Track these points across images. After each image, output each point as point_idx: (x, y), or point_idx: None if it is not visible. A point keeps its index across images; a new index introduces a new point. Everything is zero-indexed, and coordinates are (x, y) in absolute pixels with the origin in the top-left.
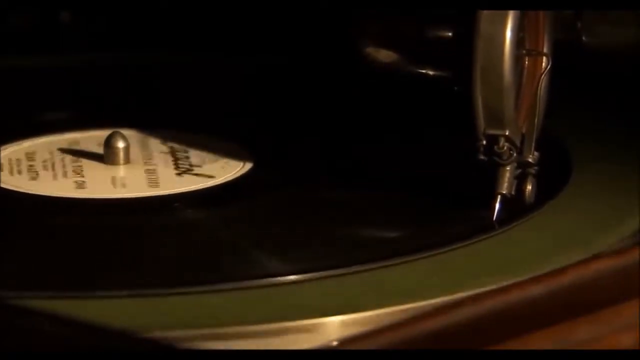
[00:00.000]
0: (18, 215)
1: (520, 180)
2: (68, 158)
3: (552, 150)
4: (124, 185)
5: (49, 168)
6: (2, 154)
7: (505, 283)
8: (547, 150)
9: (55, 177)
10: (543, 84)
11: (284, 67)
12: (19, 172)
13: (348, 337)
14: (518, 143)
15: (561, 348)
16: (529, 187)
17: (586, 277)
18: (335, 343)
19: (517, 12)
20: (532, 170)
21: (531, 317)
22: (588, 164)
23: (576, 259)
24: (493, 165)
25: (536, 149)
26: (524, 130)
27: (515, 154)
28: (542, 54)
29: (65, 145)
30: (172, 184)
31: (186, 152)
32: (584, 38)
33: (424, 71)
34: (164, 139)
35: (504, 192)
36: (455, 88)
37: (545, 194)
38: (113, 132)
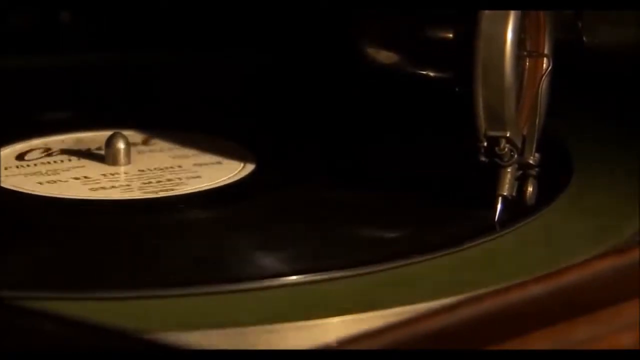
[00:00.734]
0: (18, 215)
1: (521, 181)
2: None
3: (553, 151)
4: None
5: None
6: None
7: (505, 283)
8: (547, 151)
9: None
10: (544, 85)
11: (284, 67)
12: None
13: (348, 337)
14: (519, 144)
15: (561, 348)
16: (530, 189)
17: (586, 277)
18: (335, 343)
19: (518, 12)
20: (533, 172)
21: (531, 317)
22: (588, 164)
23: (576, 260)
24: (494, 167)
25: (537, 150)
26: (525, 132)
27: (516, 155)
28: (543, 55)
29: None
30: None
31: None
32: (584, 38)
33: (424, 72)
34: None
35: (505, 193)
36: (456, 89)
37: (545, 194)
38: (114, 133)
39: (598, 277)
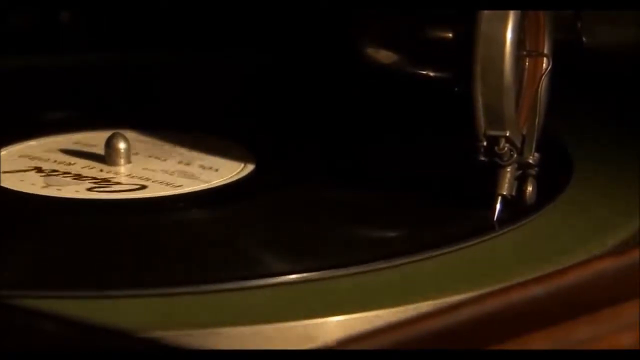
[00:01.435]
0: (18, 215)
1: (520, 181)
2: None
3: (553, 151)
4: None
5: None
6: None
7: (505, 283)
8: (547, 151)
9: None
10: (543, 85)
11: (284, 67)
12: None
13: (348, 337)
14: (518, 144)
15: (561, 348)
16: (530, 188)
17: (586, 277)
18: (335, 343)
19: (518, 12)
20: (533, 171)
21: (531, 317)
22: (588, 164)
23: (577, 260)
24: (493, 166)
25: (537, 150)
26: (524, 131)
27: (515, 155)
28: (542, 54)
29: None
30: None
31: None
32: (584, 38)
33: (423, 71)
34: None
35: (505, 193)
36: (456, 89)
37: (545, 194)
38: (114, 133)
39: (598, 277)
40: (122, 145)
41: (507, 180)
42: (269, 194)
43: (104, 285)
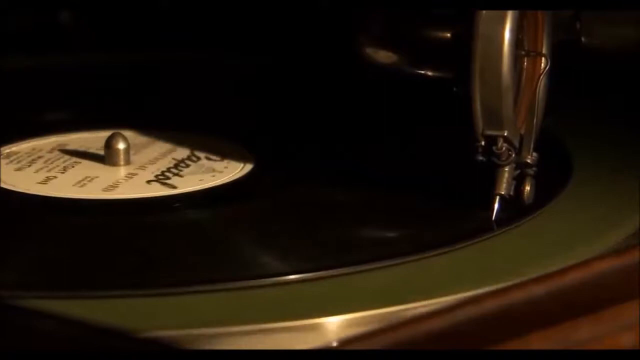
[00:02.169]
0: (18, 215)
1: (518, 181)
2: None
3: (552, 151)
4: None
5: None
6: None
7: (504, 283)
8: (546, 151)
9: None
10: (542, 85)
11: (284, 67)
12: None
13: (348, 337)
14: (517, 144)
15: (562, 348)
16: (528, 188)
17: (587, 277)
18: (335, 343)
19: (516, 12)
20: (531, 171)
21: (532, 317)
22: (588, 164)
23: (577, 260)
24: (491, 166)
25: (535, 150)
26: (522, 131)
27: (513, 155)
28: (541, 54)
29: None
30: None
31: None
32: (583, 38)
33: (423, 71)
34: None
35: (503, 193)
36: (454, 88)
37: (545, 194)
38: (114, 133)
39: (598, 277)
40: (122, 145)
41: (505, 180)
42: (268, 194)
43: (104, 285)
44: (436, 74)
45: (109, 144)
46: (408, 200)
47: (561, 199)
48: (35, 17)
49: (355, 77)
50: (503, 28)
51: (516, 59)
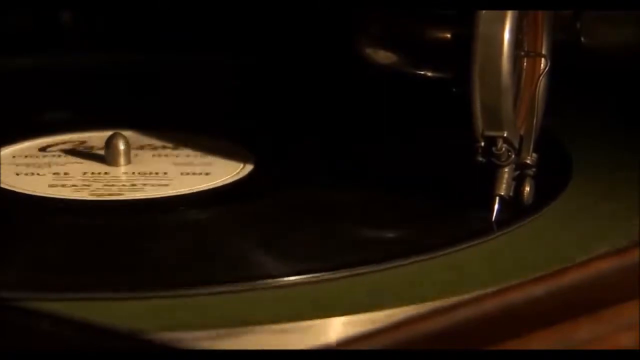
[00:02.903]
0: (18, 215)
1: (518, 181)
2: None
3: (552, 151)
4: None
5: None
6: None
7: (504, 283)
8: (546, 151)
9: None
10: (542, 85)
11: (284, 67)
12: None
13: (348, 337)
14: (516, 144)
15: (562, 348)
16: (527, 189)
17: (587, 277)
18: (335, 343)
19: (516, 12)
20: (531, 172)
21: (532, 318)
22: (588, 164)
23: (576, 260)
24: (491, 167)
25: (534, 151)
26: (522, 132)
27: (513, 156)
28: (540, 55)
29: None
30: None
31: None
32: (582, 39)
33: (422, 72)
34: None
35: (502, 193)
36: (454, 89)
37: (545, 194)
38: (114, 133)
39: (598, 277)
40: (122, 145)
41: (504, 181)
42: (268, 194)
43: (104, 285)
44: (436, 74)
45: (109, 144)
46: (408, 200)
47: (561, 200)
48: (35, 17)
49: (355, 77)
50: (503, 28)
51: (516, 59)
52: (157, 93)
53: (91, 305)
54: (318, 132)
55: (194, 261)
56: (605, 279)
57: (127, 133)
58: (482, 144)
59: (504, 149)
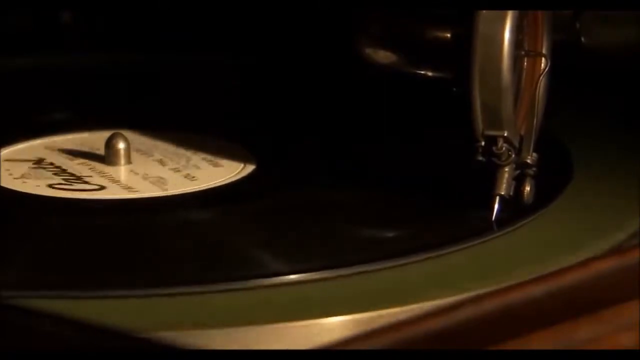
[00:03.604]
0: (18, 215)
1: (518, 181)
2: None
3: (552, 151)
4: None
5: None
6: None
7: (504, 283)
8: (547, 151)
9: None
10: (542, 85)
11: (284, 67)
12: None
13: (348, 337)
14: (516, 144)
15: (562, 348)
16: (528, 188)
17: (587, 277)
18: (335, 343)
19: (516, 12)
20: (531, 171)
21: (532, 318)
22: (588, 164)
23: (577, 260)
24: (491, 166)
25: (535, 150)
26: (522, 131)
27: (513, 155)
28: (540, 54)
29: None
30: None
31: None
32: (582, 39)
33: (422, 72)
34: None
35: (502, 193)
36: (454, 89)
37: (545, 194)
38: (114, 133)
39: (598, 277)
40: (122, 145)
41: (505, 181)
42: (269, 194)
43: (104, 285)
44: (436, 74)
45: (109, 144)
46: (408, 200)
47: (561, 200)
48: (35, 17)
49: (355, 77)
50: (503, 28)
51: (516, 59)
52: (157, 93)
53: (91, 305)
54: (318, 132)
55: (194, 261)
56: (605, 279)
57: (127, 133)
58: (483, 143)
59: (504, 148)
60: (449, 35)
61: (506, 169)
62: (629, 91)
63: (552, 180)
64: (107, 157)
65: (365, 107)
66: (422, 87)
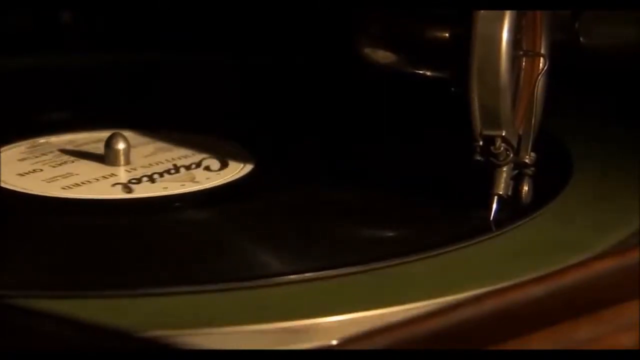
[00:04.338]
0: (18, 215)
1: (516, 181)
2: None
3: (552, 151)
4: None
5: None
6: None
7: (504, 283)
8: (546, 151)
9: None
10: (540, 85)
11: (284, 67)
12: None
13: (348, 337)
14: (515, 143)
15: (562, 348)
16: (526, 188)
17: (587, 277)
18: (335, 343)
19: (514, 12)
20: (529, 171)
21: (532, 318)
22: (588, 164)
23: (576, 260)
24: (490, 166)
25: (533, 150)
26: (520, 131)
27: (511, 155)
28: (539, 54)
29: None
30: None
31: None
32: (581, 39)
33: (421, 71)
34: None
35: (501, 192)
36: (452, 89)
37: (544, 194)
38: (114, 133)
39: (598, 277)
40: (122, 145)
41: (503, 180)
42: (268, 194)
43: (104, 285)
44: (435, 74)
45: (109, 144)
46: (407, 200)
47: (560, 199)
48: (35, 17)
49: (355, 77)
50: (501, 28)
51: (514, 59)
52: (157, 93)
53: (91, 305)
54: (318, 132)
55: (194, 261)
56: (605, 279)
57: (127, 133)
58: (481, 143)
59: (502, 148)
60: (448, 35)
61: (504, 169)
62: (628, 91)
63: (551, 180)
64: (107, 157)
65: (365, 107)
66: (422, 87)
